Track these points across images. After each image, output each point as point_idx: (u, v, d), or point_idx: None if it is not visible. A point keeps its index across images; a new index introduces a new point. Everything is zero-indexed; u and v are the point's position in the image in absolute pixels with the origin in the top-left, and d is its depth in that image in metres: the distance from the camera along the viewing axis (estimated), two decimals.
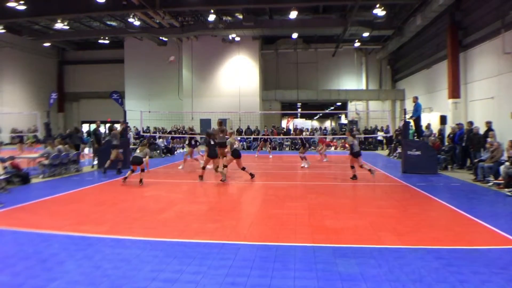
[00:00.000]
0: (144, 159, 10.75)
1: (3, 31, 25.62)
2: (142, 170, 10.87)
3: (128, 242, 5.35)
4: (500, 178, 10.18)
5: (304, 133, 26.66)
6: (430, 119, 19.86)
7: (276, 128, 28.72)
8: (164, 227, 6.17)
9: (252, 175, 11.32)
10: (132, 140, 14.06)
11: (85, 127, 33.45)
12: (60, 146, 12.56)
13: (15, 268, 4.35)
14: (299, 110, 38.65)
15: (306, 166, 14.52)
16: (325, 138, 22.90)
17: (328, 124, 48.05)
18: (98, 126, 15.64)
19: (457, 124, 15.27)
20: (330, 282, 4.13)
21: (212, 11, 22.85)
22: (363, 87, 32.52)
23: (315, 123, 46.06)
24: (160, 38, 30.08)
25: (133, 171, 10.81)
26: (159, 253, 4.92)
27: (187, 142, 15.63)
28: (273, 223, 6.44)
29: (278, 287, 3.97)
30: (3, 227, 5.99)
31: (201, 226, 6.21)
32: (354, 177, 11.47)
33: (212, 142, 11.31)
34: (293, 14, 22.62)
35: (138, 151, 11.11)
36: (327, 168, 14.72)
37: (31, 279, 4.07)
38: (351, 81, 32.83)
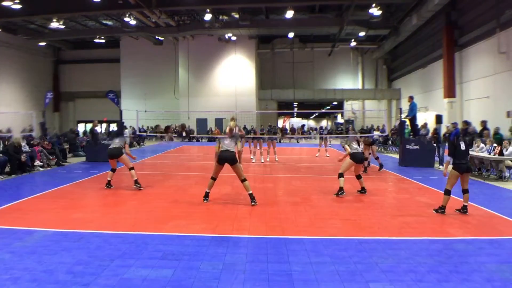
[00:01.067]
0: (123, 150, 9.05)
1: None
2: (131, 168, 9.08)
3: (116, 237, 5.30)
4: None
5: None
6: (426, 118, 19.96)
7: (272, 128, 28.68)
8: (158, 222, 6.14)
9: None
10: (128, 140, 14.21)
11: (81, 127, 33.29)
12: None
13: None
14: (295, 109, 38.67)
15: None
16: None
17: (324, 123, 48.11)
18: (95, 126, 15.59)
19: (452, 123, 15.39)
20: (325, 274, 4.16)
21: (208, 10, 22.84)
22: (359, 86, 32.63)
23: (311, 123, 46.11)
24: (156, 37, 30.00)
25: (113, 170, 9.23)
26: (151, 247, 4.89)
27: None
28: (272, 218, 6.43)
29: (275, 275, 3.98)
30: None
31: (201, 221, 6.19)
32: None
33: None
34: (289, 14, 22.66)
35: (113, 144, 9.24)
36: (325, 161, 14.73)
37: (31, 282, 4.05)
38: (347, 80, 32.92)
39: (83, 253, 4.82)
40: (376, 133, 24.73)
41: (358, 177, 8.89)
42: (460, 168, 6.93)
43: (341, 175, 8.52)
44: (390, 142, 20.42)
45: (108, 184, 9.13)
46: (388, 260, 4.70)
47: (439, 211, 7.05)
